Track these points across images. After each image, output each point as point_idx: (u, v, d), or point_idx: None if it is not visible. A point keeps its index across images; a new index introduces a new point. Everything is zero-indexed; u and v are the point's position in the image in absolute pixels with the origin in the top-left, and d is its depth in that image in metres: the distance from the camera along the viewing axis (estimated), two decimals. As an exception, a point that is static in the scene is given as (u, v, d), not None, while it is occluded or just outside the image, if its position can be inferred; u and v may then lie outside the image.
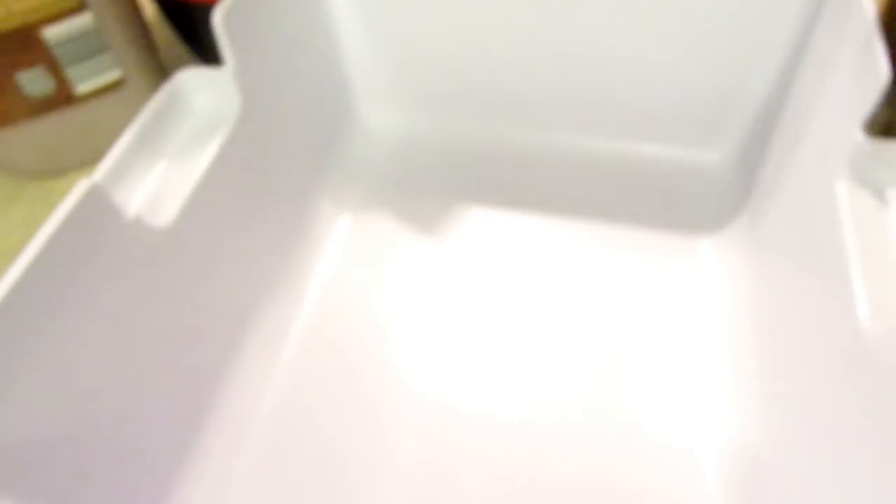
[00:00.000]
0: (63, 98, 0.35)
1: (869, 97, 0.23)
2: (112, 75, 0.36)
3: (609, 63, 0.34)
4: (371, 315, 0.31)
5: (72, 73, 0.34)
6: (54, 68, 0.34)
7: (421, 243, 0.33)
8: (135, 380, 0.23)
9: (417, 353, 0.30)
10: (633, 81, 0.35)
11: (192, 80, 0.26)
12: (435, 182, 0.36)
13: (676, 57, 0.33)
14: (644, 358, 0.29)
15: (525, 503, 0.26)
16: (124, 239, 0.22)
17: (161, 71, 0.39)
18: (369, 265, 0.33)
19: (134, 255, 0.23)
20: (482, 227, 0.34)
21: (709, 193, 0.35)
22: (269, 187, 0.30)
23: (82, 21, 0.33)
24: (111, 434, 0.22)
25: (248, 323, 0.29)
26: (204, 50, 0.39)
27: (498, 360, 0.29)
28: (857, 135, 0.23)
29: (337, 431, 0.28)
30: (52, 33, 0.33)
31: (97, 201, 0.21)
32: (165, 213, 0.24)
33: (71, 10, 0.33)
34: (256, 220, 0.29)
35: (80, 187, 0.20)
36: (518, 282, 0.32)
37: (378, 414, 0.28)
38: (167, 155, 0.25)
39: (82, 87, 0.35)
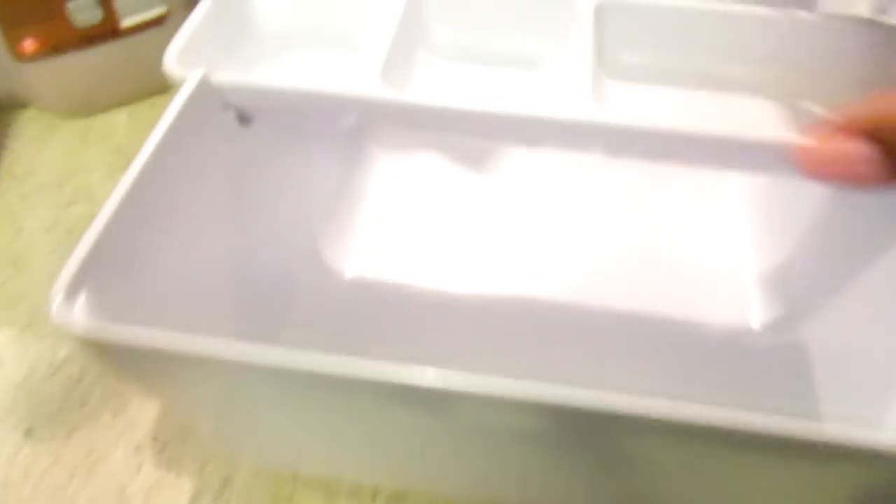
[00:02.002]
0: (109, 30, 0.36)
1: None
2: (157, 9, 0.36)
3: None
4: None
5: (120, 4, 0.35)
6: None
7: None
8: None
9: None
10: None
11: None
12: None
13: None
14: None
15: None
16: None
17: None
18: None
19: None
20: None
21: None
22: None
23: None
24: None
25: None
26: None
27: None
28: None
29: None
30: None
31: (210, 94, 0.22)
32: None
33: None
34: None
35: (193, 80, 0.21)
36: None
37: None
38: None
39: (128, 20, 0.36)
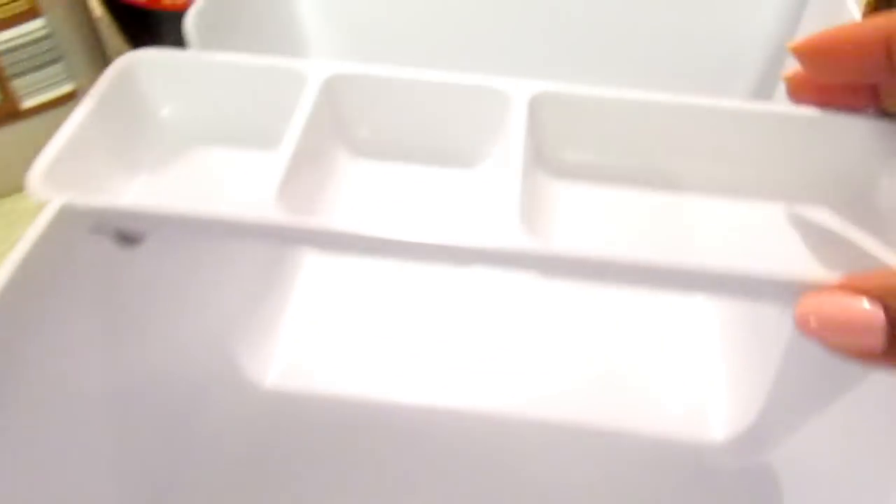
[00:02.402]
0: (7, 112, 0.32)
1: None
2: (65, 87, 0.33)
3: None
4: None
5: (19, 85, 0.32)
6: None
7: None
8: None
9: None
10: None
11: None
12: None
13: (653, 75, 0.33)
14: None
15: None
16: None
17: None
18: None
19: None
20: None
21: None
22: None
23: (34, 27, 0.31)
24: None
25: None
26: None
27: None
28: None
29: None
30: (2, 42, 0.30)
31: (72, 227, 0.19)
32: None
33: (22, 14, 0.30)
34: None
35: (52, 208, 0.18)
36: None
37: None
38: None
39: (31, 101, 0.33)
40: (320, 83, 0.23)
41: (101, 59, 0.35)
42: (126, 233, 0.21)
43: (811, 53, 0.19)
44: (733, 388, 0.27)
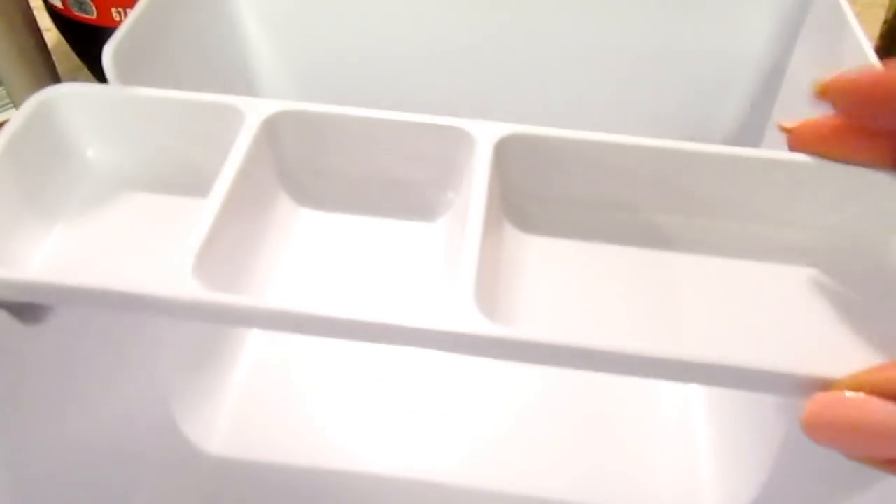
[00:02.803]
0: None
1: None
2: (5, 114, 0.31)
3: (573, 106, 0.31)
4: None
5: (-43, 108, 0.30)
6: (-64, 102, 0.29)
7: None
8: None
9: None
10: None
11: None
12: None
13: (642, 99, 0.30)
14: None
15: None
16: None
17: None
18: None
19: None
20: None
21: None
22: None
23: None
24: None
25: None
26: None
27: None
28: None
29: None
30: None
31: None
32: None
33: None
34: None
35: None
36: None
37: None
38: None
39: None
40: (260, 121, 0.20)
41: (51, 81, 0.33)
42: (27, 304, 0.18)
43: (851, 95, 0.17)
44: (724, 472, 0.25)
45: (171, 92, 0.21)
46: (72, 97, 0.21)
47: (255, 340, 0.27)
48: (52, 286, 0.16)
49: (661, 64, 0.28)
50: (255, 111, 0.21)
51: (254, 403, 0.26)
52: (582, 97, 0.29)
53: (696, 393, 0.27)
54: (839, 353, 0.18)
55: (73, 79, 0.39)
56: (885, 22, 0.31)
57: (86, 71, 0.37)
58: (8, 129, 0.20)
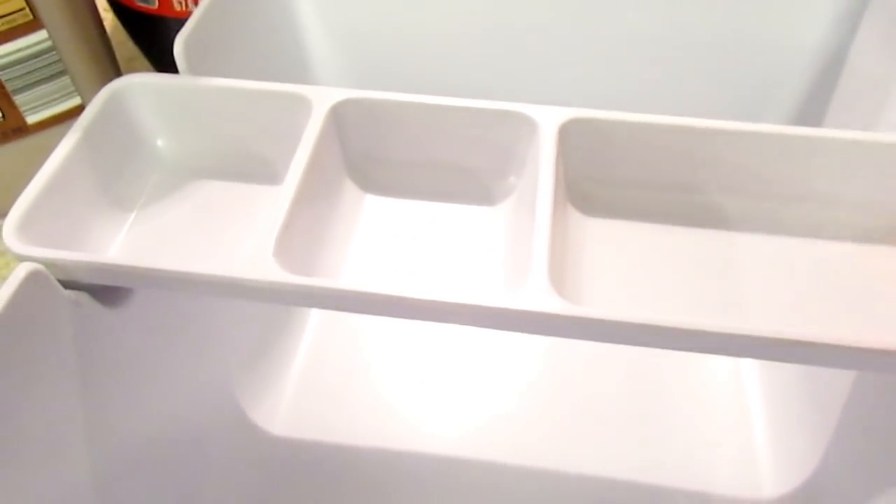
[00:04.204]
0: (14, 128, 0.31)
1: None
2: (70, 102, 0.32)
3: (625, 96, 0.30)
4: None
5: (22, 100, 0.30)
6: (1, 95, 0.30)
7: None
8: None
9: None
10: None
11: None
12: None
13: (699, 88, 0.30)
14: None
15: None
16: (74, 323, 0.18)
17: (126, 95, 0.35)
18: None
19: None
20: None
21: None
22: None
23: (36, 40, 0.29)
24: None
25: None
26: (176, 70, 0.35)
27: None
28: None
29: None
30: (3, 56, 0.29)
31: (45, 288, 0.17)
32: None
33: (23, 27, 0.29)
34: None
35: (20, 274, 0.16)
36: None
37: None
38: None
39: (35, 116, 0.31)
40: (326, 110, 0.21)
41: (112, 69, 0.34)
42: (106, 286, 0.19)
43: None
44: (784, 437, 0.25)
45: (240, 81, 0.22)
46: (143, 87, 0.22)
47: (313, 326, 0.28)
48: (139, 269, 0.17)
49: (718, 51, 0.28)
50: (321, 100, 0.21)
51: (314, 386, 0.26)
52: (640, 85, 0.29)
53: (749, 370, 0.27)
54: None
55: (131, 66, 0.39)
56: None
57: (142, 58, 0.38)
58: (82, 119, 0.21)
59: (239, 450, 0.24)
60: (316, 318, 0.28)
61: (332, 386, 0.26)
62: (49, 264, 0.17)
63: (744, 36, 0.28)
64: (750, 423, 0.25)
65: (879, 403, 0.22)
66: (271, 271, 0.17)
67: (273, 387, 0.26)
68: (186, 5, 0.31)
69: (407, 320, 0.27)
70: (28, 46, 0.29)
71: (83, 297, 0.18)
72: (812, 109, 0.29)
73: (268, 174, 0.22)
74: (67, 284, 0.18)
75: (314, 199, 0.20)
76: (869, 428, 0.22)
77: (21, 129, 0.31)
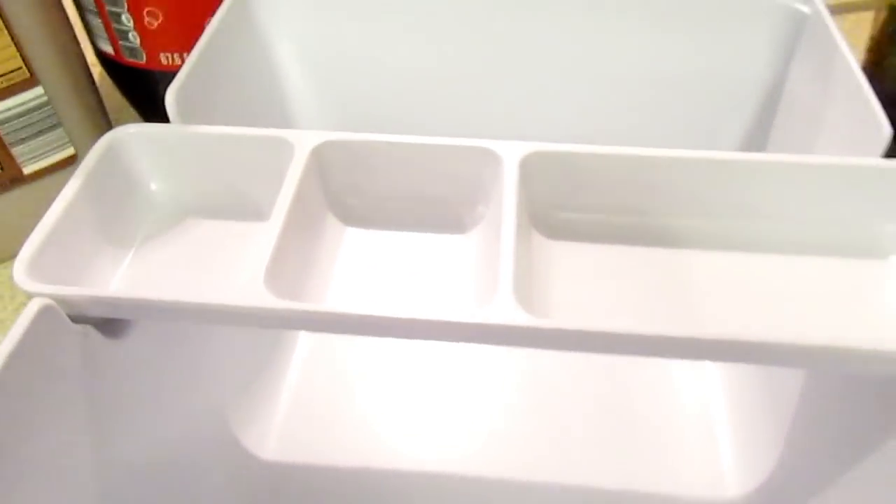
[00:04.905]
0: (11, 178, 0.33)
1: (869, 154, 0.23)
2: (64, 152, 0.33)
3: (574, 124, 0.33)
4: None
5: (19, 152, 0.32)
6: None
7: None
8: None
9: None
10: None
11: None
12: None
13: (654, 120, 0.32)
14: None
15: None
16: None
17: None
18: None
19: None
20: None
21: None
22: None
23: (32, 96, 0.31)
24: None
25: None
26: (162, 118, 0.37)
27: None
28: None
29: None
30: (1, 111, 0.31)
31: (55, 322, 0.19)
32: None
33: (21, 84, 0.31)
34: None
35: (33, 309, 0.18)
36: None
37: None
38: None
39: (31, 167, 0.33)
40: (308, 152, 0.23)
41: (103, 120, 0.36)
42: (110, 319, 0.20)
43: None
44: (745, 440, 0.26)
45: (226, 128, 0.24)
46: (137, 137, 0.24)
47: (301, 354, 0.30)
48: (141, 301, 0.19)
49: (671, 85, 0.30)
50: (302, 143, 0.23)
51: (303, 412, 0.28)
52: (598, 118, 0.31)
53: (711, 377, 0.29)
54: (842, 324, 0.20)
55: (119, 116, 0.41)
56: (872, 38, 0.33)
57: (129, 108, 0.40)
58: (83, 167, 0.23)
59: (231, 474, 0.26)
60: (303, 347, 0.30)
61: (321, 411, 0.28)
62: (58, 300, 0.19)
63: (694, 73, 0.31)
64: (713, 428, 0.27)
65: (826, 402, 0.24)
66: (263, 298, 0.18)
67: (263, 413, 0.27)
68: (173, 60, 0.33)
69: (390, 346, 0.28)
70: (25, 102, 0.31)
71: (89, 330, 0.20)
72: (758, 137, 0.31)
73: (255, 212, 0.24)
74: (74, 319, 0.19)
75: (299, 232, 0.22)
76: (819, 426, 0.24)
77: (18, 179, 0.33)
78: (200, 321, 0.19)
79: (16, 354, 0.17)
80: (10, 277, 0.19)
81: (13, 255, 0.36)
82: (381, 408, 0.28)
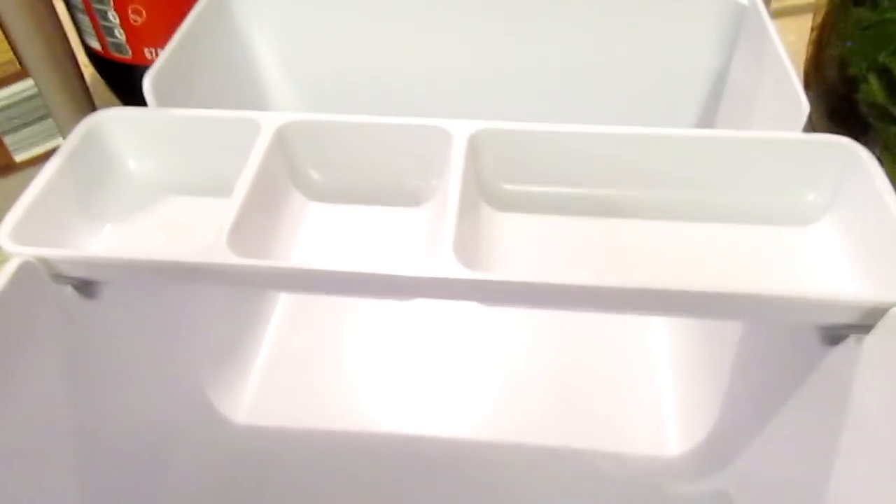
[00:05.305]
0: (3, 165, 0.35)
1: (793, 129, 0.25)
2: (53, 142, 0.35)
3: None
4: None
5: (11, 141, 0.34)
6: (-8, 135, 0.33)
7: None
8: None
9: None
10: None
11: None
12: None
13: (611, 107, 0.34)
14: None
15: None
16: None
17: (104, 136, 0.39)
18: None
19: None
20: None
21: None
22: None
23: (23, 87, 0.33)
24: None
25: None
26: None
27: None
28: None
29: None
30: (-8, 101, 0.33)
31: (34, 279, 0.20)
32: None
33: (12, 76, 0.33)
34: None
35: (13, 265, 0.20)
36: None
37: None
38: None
39: (22, 155, 0.35)
40: (273, 131, 0.25)
41: (90, 111, 0.37)
42: (88, 281, 0.22)
43: None
44: (687, 401, 0.28)
45: (199, 111, 0.25)
46: (116, 119, 0.26)
47: (278, 318, 0.31)
48: (116, 260, 0.21)
49: (628, 72, 0.32)
50: (268, 123, 0.25)
51: (277, 373, 0.29)
52: (557, 104, 0.33)
53: (656, 337, 0.31)
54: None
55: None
56: (813, 30, 0.35)
57: (117, 103, 0.42)
58: (64, 147, 0.24)
59: (204, 437, 0.27)
60: (280, 313, 0.31)
61: (295, 377, 0.29)
62: (39, 260, 0.21)
63: (649, 61, 0.33)
64: (659, 388, 0.29)
65: (756, 358, 0.25)
66: (224, 256, 0.20)
67: (239, 378, 0.29)
68: (156, 54, 0.35)
69: (364, 313, 0.30)
70: (17, 94, 0.33)
71: (67, 290, 0.22)
72: (707, 118, 0.33)
73: (226, 188, 0.25)
74: (53, 280, 0.21)
75: (262, 203, 0.23)
76: (751, 382, 0.26)
77: (9, 167, 0.35)
78: (166, 279, 0.21)
79: (-1, 308, 0.19)
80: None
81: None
82: (350, 374, 0.29)
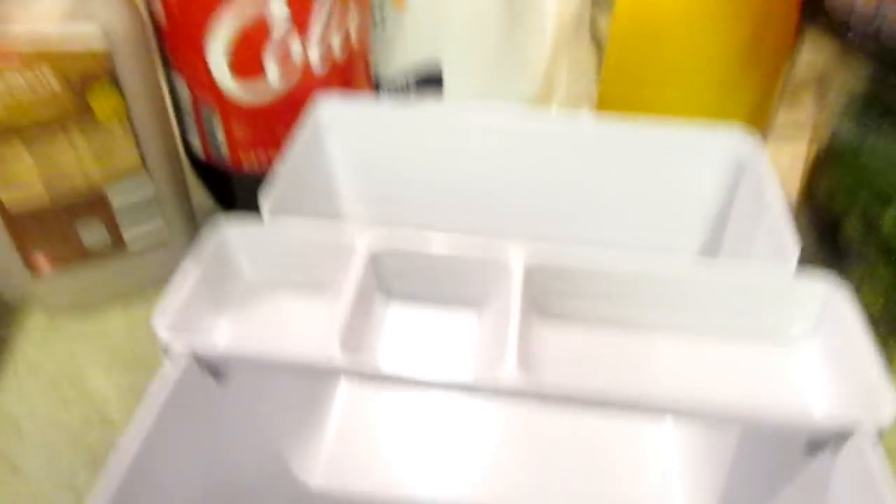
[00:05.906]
0: (116, 250, 0.41)
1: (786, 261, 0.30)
2: (161, 236, 0.42)
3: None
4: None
5: (128, 232, 0.40)
6: (113, 226, 0.40)
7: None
8: None
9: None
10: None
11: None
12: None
13: (628, 236, 0.40)
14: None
15: None
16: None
17: (196, 230, 0.45)
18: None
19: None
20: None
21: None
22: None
23: (145, 188, 0.40)
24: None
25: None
26: (235, 207, 0.46)
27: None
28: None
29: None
30: (118, 199, 0.39)
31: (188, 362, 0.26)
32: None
33: (134, 175, 0.39)
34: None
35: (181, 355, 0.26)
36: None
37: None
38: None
39: (134, 246, 0.41)
40: (366, 253, 0.31)
41: (191, 215, 0.44)
42: (217, 369, 0.28)
43: None
44: (690, 500, 0.34)
45: (304, 225, 0.32)
46: (237, 232, 0.32)
47: (346, 387, 0.38)
48: (248, 355, 0.26)
49: (648, 202, 0.39)
50: (362, 243, 0.31)
51: (351, 441, 0.35)
52: (582, 235, 0.40)
53: (671, 437, 0.36)
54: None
55: (202, 210, 0.49)
56: (804, 166, 0.42)
57: (210, 201, 0.49)
58: (196, 257, 0.30)
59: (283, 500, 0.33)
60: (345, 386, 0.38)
61: (364, 442, 0.35)
62: (193, 354, 0.26)
63: (665, 193, 0.39)
64: (667, 482, 0.34)
65: (749, 464, 0.31)
66: (336, 355, 0.26)
67: (312, 442, 0.34)
68: (252, 162, 0.42)
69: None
70: (139, 194, 0.39)
71: (206, 376, 0.27)
72: (715, 240, 0.39)
73: (328, 293, 0.31)
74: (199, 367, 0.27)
75: (358, 308, 0.29)
76: (745, 484, 0.31)
77: (122, 251, 0.41)
78: (286, 372, 0.27)
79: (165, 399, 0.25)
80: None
81: (99, 304, 0.43)
82: (416, 444, 0.35)
